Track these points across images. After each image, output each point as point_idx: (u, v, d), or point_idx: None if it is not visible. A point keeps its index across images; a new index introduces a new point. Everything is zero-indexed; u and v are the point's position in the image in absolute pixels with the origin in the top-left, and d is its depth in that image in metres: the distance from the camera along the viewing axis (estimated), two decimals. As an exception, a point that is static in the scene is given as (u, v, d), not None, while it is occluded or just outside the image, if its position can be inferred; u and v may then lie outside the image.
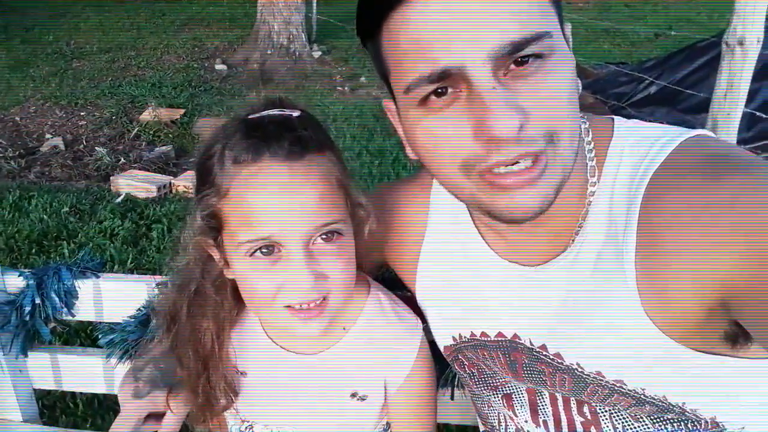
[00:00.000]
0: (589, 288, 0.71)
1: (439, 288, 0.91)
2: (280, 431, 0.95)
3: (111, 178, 4.29)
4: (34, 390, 1.48)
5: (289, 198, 0.75)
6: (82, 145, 5.14)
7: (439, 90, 0.61)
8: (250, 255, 0.77)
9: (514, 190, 0.63)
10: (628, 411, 0.74)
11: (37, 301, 1.34)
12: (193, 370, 0.88)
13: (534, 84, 0.59)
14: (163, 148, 5.00)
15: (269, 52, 7.55)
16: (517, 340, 0.82)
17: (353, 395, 0.92)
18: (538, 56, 0.59)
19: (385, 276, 1.08)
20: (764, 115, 4.13)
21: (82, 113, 5.85)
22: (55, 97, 6.16)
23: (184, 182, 4.20)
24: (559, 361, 0.77)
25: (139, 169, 4.50)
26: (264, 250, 0.77)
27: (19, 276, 1.35)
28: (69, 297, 1.36)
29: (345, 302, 0.84)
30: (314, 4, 8.07)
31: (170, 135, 5.29)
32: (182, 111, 5.71)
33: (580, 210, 0.73)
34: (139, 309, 1.32)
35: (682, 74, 4.96)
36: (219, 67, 7.40)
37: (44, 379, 1.45)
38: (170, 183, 4.23)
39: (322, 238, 0.78)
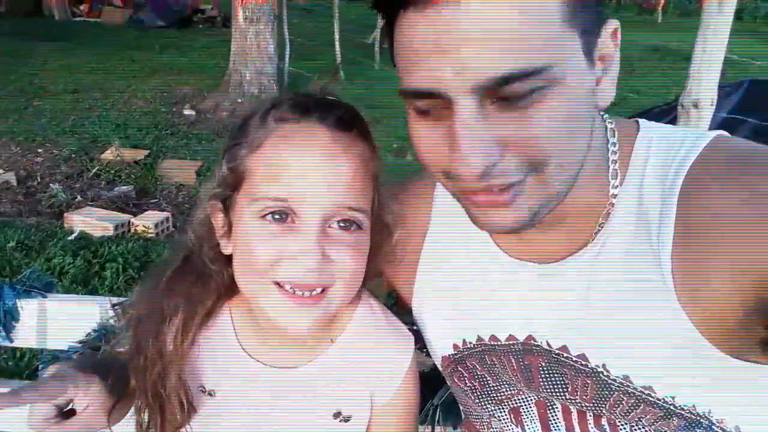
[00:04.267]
0: (619, 284, 0.69)
1: (440, 291, 0.86)
2: None
3: (65, 214, 4.08)
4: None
5: (324, 163, 0.71)
6: (36, 182, 4.91)
7: (426, 108, 0.61)
8: (262, 216, 0.71)
9: (486, 208, 0.63)
10: (653, 426, 0.69)
11: (-29, 322, 1.19)
12: (148, 364, 0.77)
13: (521, 118, 0.56)
14: (124, 188, 4.83)
15: (239, 100, 7.57)
16: (531, 342, 0.76)
17: (336, 415, 0.82)
18: (533, 89, 0.55)
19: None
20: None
21: (39, 150, 5.62)
22: (12, 133, 5.92)
23: (144, 221, 4.03)
24: (584, 363, 0.72)
25: (97, 208, 4.30)
26: (277, 216, 0.71)
27: (-47, 294, 1.20)
28: (9, 319, 1.22)
29: (342, 306, 0.77)
30: (287, 57, 8.23)
31: (132, 175, 5.13)
32: (146, 152, 5.58)
33: (601, 207, 0.71)
34: (89, 333, 1.19)
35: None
36: (187, 112, 7.35)
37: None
38: (129, 222, 4.06)
39: (340, 226, 0.73)
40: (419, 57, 0.57)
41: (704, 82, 3.37)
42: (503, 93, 0.55)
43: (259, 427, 0.83)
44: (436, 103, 0.59)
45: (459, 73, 0.54)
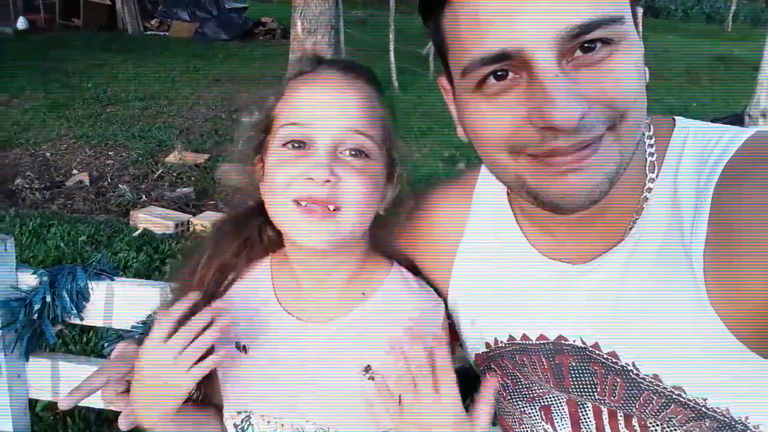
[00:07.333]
0: (650, 282, 0.68)
1: (474, 289, 0.87)
2: (279, 422, 0.87)
3: (131, 212, 4.34)
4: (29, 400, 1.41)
5: (331, 95, 0.82)
6: (106, 182, 5.25)
7: (499, 73, 0.60)
8: (283, 145, 0.82)
9: (566, 174, 0.60)
10: (684, 428, 0.68)
11: (48, 299, 1.30)
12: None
13: (599, 73, 0.57)
14: (185, 189, 5.07)
15: (296, 108, 7.79)
16: (562, 341, 0.77)
17: (367, 369, 0.84)
18: (606, 42, 0.57)
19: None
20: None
21: (110, 153, 6.01)
22: (87, 137, 6.35)
23: (202, 221, 4.22)
24: (614, 360, 0.72)
25: (159, 207, 4.55)
26: (296, 144, 0.81)
27: (33, 273, 1.33)
28: (80, 298, 1.33)
29: (354, 233, 0.83)
30: (342, 67, 8.41)
31: (192, 177, 5.38)
32: (207, 156, 5.84)
33: (633, 205, 0.70)
34: (149, 314, 1.28)
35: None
36: (246, 119, 7.64)
37: (42, 389, 1.39)
38: (189, 221, 4.26)
39: (351, 153, 0.81)
40: (493, 18, 0.57)
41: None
42: (581, 43, 0.56)
43: (291, 386, 0.86)
44: (509, 68, 0.59)
45: (539, 23, 0.55)
